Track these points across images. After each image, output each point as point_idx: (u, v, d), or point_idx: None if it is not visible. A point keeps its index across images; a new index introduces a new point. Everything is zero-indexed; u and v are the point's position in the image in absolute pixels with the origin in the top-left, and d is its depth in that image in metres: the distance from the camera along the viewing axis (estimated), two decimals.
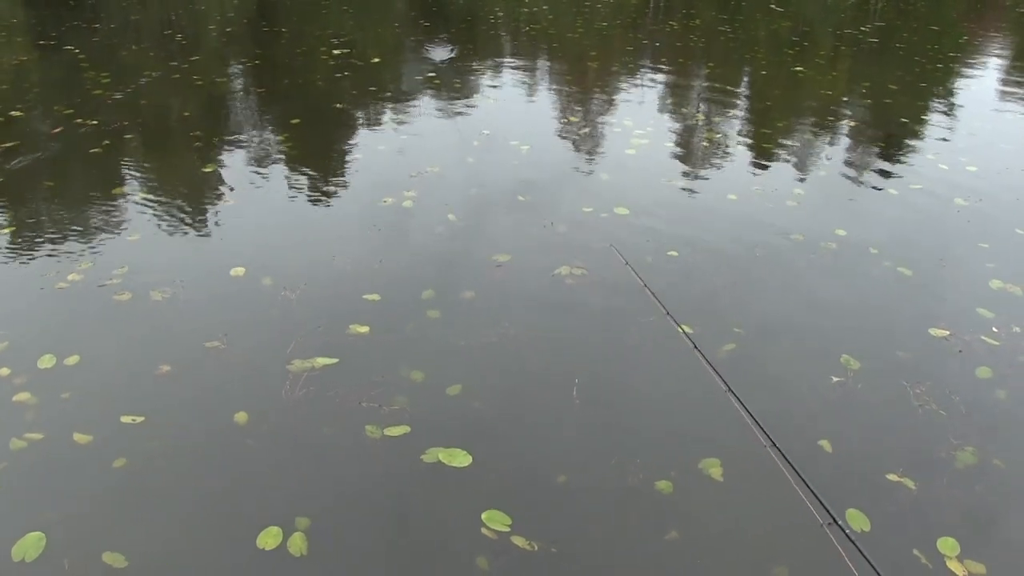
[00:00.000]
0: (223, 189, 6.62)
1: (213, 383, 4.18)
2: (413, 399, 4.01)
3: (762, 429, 3.29)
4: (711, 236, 5.94)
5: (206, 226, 5.99)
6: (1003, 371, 4.44)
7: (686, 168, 7.44)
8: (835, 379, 4.28)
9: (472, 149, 7.76)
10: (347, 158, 7.56)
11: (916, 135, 8.64)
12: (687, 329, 4.44)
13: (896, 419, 4.05)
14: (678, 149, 7.95)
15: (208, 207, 6.32)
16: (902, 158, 7.90)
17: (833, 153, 7.99)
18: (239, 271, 5.28)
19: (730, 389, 3.47)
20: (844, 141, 8.43)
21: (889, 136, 8.56)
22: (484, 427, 3.89)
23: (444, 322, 4.68)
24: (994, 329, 4.86)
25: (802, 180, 7.28)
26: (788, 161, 7.85)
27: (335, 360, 4.33)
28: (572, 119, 8.83)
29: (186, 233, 5.88)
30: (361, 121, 8.08)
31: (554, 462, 3.67)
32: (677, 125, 8.74)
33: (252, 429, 3.80)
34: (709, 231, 6.03)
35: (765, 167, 7.57)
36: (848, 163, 7.72)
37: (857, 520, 3.38)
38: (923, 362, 4.53)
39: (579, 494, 3.49)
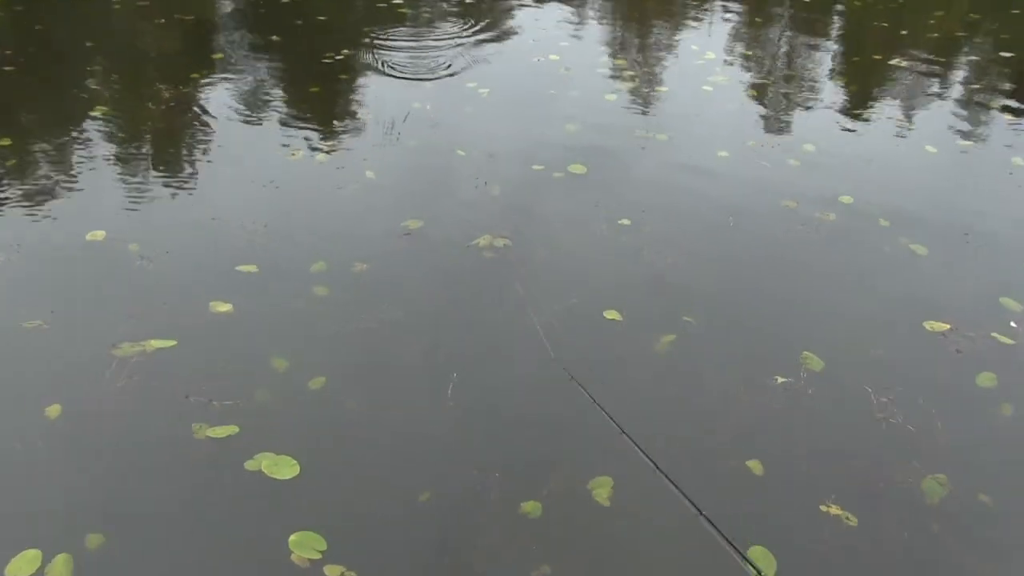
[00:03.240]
0: (99, 139, 6.49)
1: (28, 370, 4.06)
2: (264, 393, 3.89)
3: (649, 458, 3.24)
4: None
5: (73, 182, 5.86)
6: (1013, 379, 4.06)
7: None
8: (780, 380, 3.96)
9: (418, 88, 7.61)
10: (253, 99, 7.39)
11: None
12: (613, 316, 4.47)
13: (848, 435, 3.79)
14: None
15: (80, 161, 6.20)
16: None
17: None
18: (98, 235, 5.15)
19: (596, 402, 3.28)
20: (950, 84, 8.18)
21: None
22: (336, 429, 3.77)
23: (330, 301, 4.56)
24: (1013, 324, 4.48)
25: None
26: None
27: (172, 343, 4.17)
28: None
29: (45, 191, 5.74)
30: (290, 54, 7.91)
31: (407, 475, 3.53)
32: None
33: (63, 425, 3.67)
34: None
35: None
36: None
37: (763, 560, 3.12)
38: (902, 364, 4.18)
39: (427, 517, 3.31)
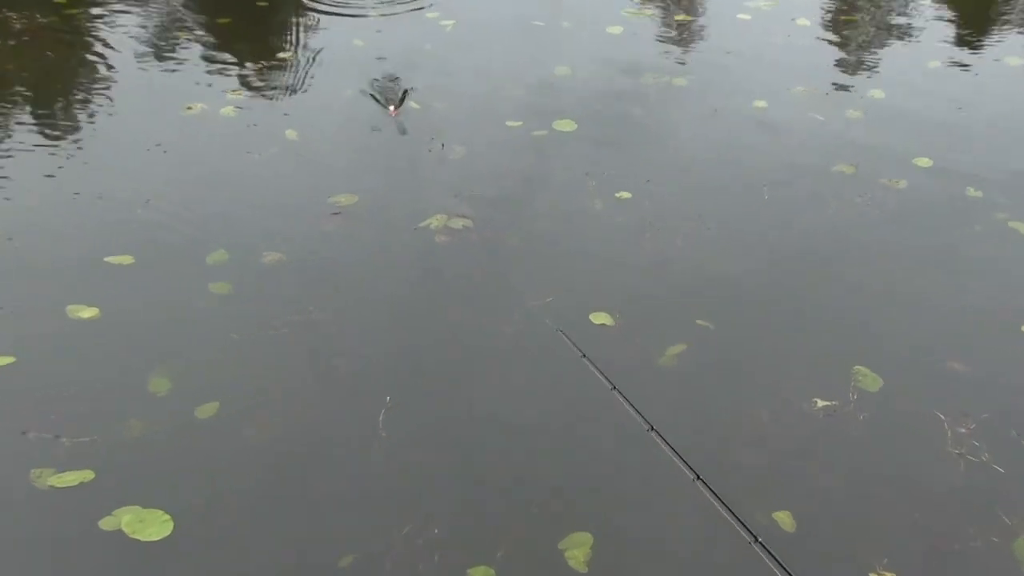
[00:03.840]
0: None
1: None
2: (133, 426, 3.84)
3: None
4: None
5: None
6: None
7: None
8: (821, 403, 3.93)
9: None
10: (138, 32, 7.34)
11: None
12: (603, 320, 4.46)
13: (911, 477, 3.74)
14: None
15: None
16: None
17: None
18: None
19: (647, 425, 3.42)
20: None
21: None
22: (228, 472, 3.70)
23: (231, 302, 4.53)
24: None
25: None
26: None
27: (8, 360, 4.12)
28: None
29: None
30: None
31: (322, 533, 3.46)
32: None
33: None
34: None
35: None
36: None
37: None
38: (988, 383, 4.16)
39: None
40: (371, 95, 6.28)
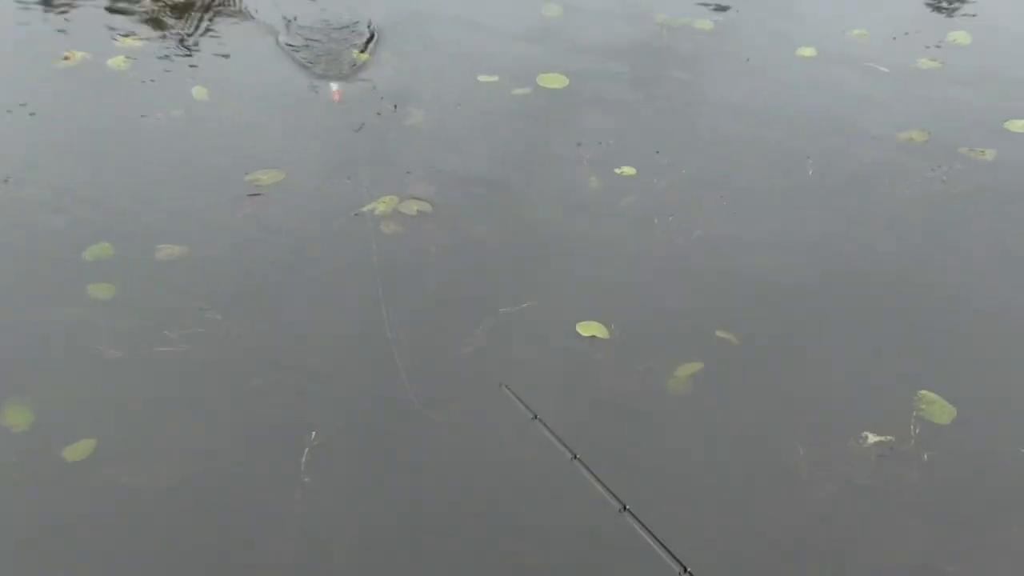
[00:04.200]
0: None
1: None
2: None
3: None
4: None
5: None
6: None
7: None
8: (873, 439, 3.97)
9: None
10: None
11: None
12: (594, 332, 4.47)
13: (992, 542, 3.76)
14: None
15: None
16: None
17: None
18: None
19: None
20: None
21: None
22: (100, 533, 3.71)
23: (116, 308, 4.54)
24: None
25: None
26: None
27: None
28: None
29: None
30: None
31: None
32: None
33: None
34: None
35: None
36: None
37: None
38: None
39: None
40: (296, 56, 6.25)
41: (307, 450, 3.88)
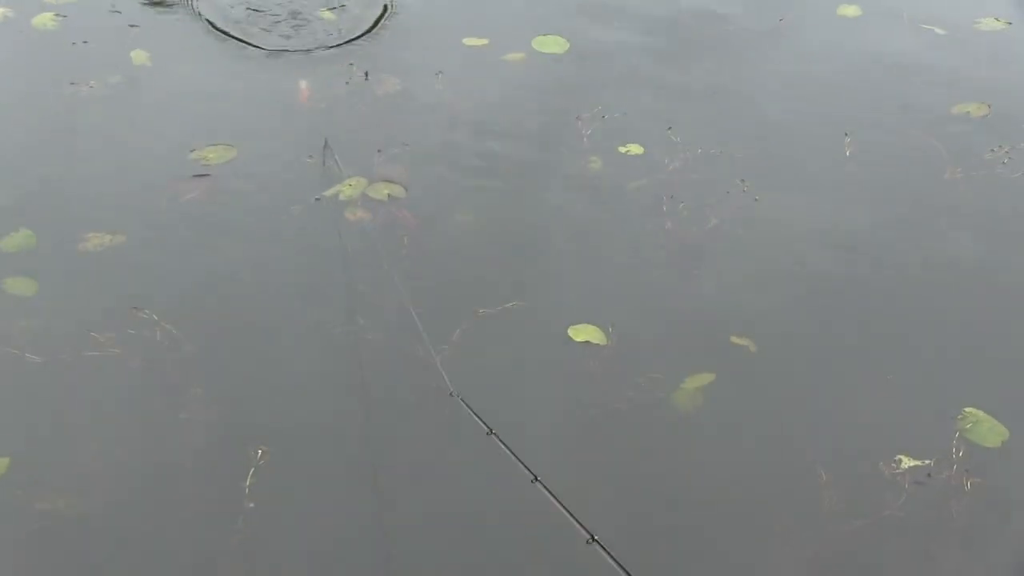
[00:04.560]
0: None
1: None
2: None
3: None
4: None
5: None
6: None
7: None
8: (908, 463, 3.98)
9: None
10: None
11: None
12: (588, 336, 4.52)
13: None
14: None
15: None
16: None
17: None
18: None
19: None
20: None
21: None
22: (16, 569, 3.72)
23: (35, 305, 4.57)
24: None
25: None
26: None
27: None
28: None
29: None
30: None
31: None
32: None
33: None
34: None
35: None
36: None
37: None
38: None
39: None
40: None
41: (252, 470, 3.86)
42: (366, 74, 5.80)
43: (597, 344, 4.43)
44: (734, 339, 4.45)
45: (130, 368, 4.28)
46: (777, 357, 4.41)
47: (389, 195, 5.09)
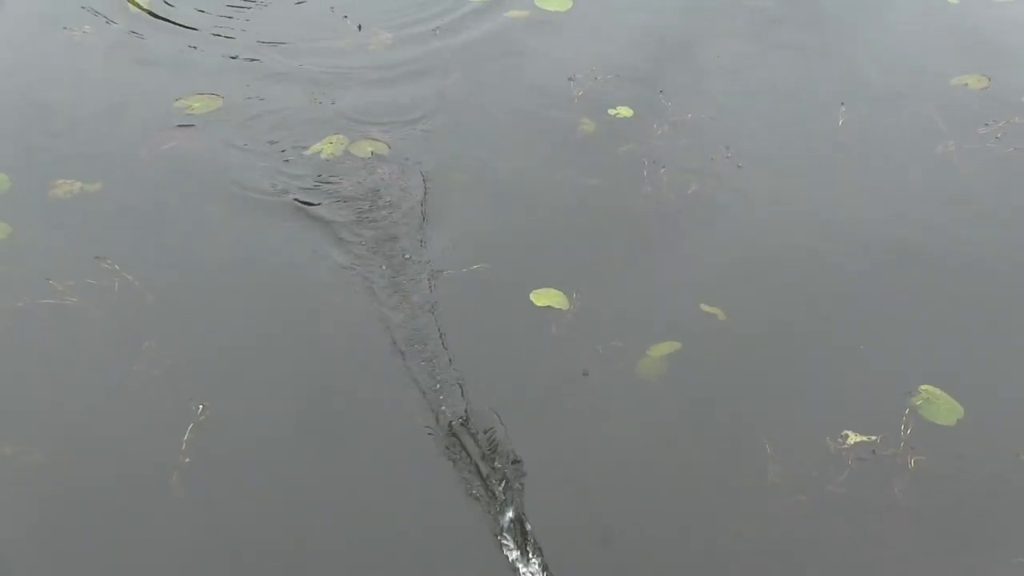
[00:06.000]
0: None
1: None
2: None
3: None
4: None
5: None
6: None
7: None
8: (855, 439, 3.93)
9: None
10: None
11: None
12: (550, 301, 4.47)
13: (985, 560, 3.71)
14: None
15: None
16: None
17: None
18: None
19: None
20: None
21: None
22: None
23: (8, 249, 4.57)
24: None
25: None
26: None
27: None
28: None
29: None
30: None
31: None
32: None
33: None
34: None
35: None
36: None
37: None
38: None
39: None
40: None
41: (192, 425, 3.87)
42: (359, 27, 5.86)
43: (560, 309, 4.39)
44: (704, 307, 4.41)
45: (87, 318, 4.29)
46: (744, 328, 4.36)
47: (372, 152, 5.04)
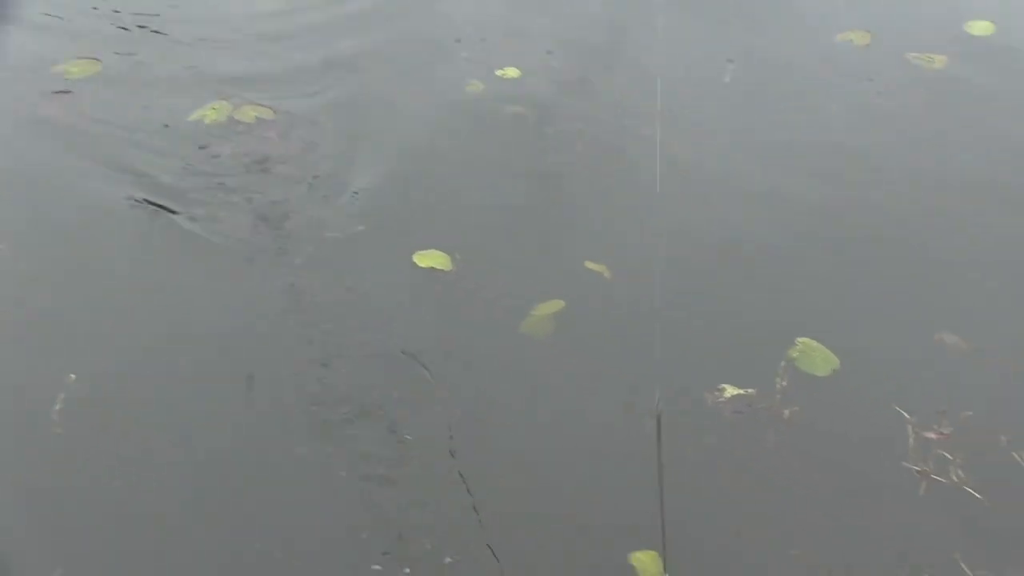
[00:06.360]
0: None
1: None
2: None
3: None
4: None
5: None
6: None
7: None
8: (731, 393, 3.98)
9: None
10: None
11: None
12: (433, 262, 4.47)
13: (832, 499, 3.75)
14: None
15: None
16: None
17: None
18: None
19: None
20: None
21: None
22: None
23: None
24: None
25: None
26: None
27: None
28: None
29: None
30: None
31: None
32: None
33: None
34: None
35: None
36: None
37: None
38: (992, 366, 4.20)
39: None
40: None
41: (63, 393, 3.84)
42: None
43: (443, 270, 4.41)
44: (588, 265, 4.44)
45: None
46: (626, 286, 4.40)
47: (257, 117, 5.02)
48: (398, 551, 3.36)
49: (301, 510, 3.53)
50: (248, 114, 4.99)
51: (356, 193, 4.74)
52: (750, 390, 3.99)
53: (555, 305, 4.28)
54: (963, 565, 3.47)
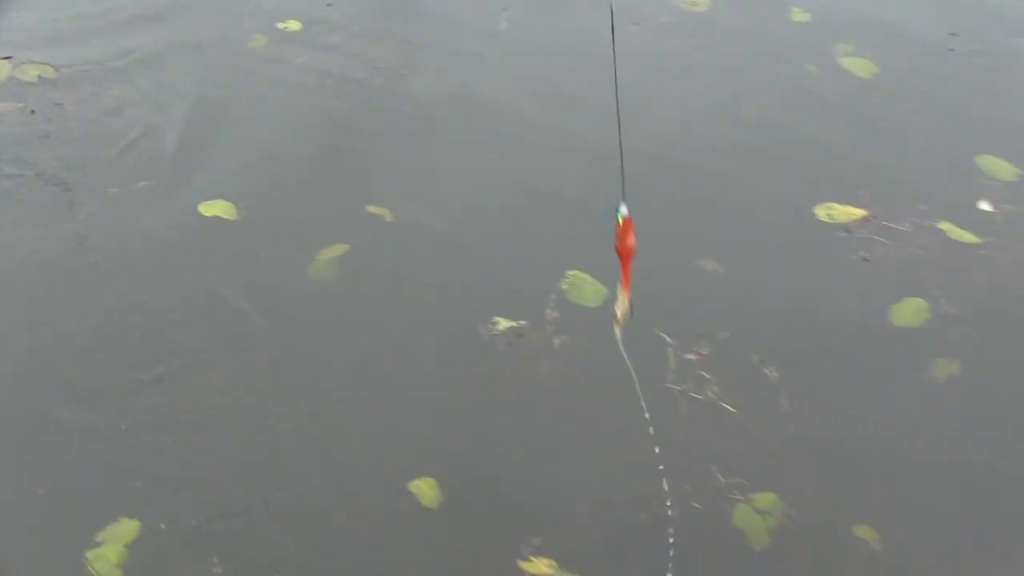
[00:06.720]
0: None
1: None
2: None
3: None
4: None
5: None
6: None
7: None
8: (503, 325, 4.09)
9: None
10: None
11: None
12: (218, 211, 4.50)
13: (597, 418, 3.93)
14: None
15: None
16: None
17: None
18: None
19: None
20: None
21: None
22: None
23: None
24: None
25: None
26: None
27: None
28: None
29: None
30: None
31: None
32: None
33: None
34: None
35: None
36: None
37: None
38: (749, 292, 4.41)
39: None
40: None
41: None
42: None
43: (228, 220, 4.45)
44: (371, 209, 4.52)
45: None
46: (412, 226, 4.51)
47: (40, 77, 4.96)
48: None
49: None
50: (30, 73, 4.94)
51: (141, 148, 4.74)
52: (523, 322, 4.09)
53: (339, 249, 4.35)
54: (719, 476, 3.65)
